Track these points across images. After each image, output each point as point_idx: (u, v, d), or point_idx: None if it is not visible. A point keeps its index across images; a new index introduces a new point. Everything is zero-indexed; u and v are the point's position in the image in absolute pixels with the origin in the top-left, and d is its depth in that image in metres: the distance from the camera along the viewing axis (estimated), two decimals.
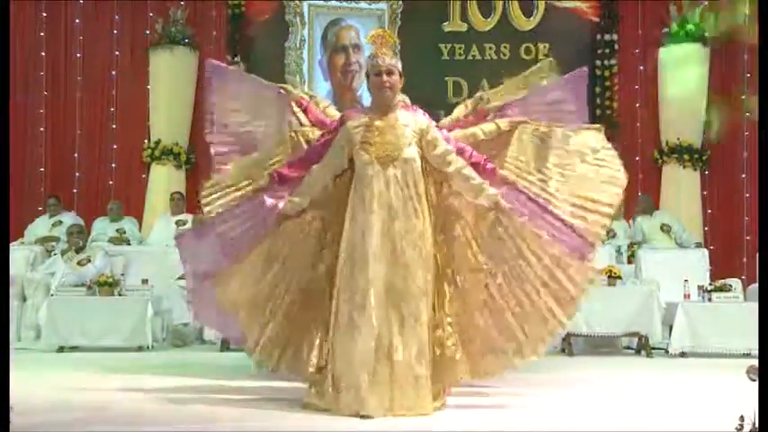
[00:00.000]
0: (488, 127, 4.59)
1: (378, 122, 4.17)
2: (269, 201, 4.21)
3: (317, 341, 4.16)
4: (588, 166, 4.35)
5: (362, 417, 3.81)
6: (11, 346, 7.38)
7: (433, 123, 4.36)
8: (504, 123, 4.57)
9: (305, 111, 4.69)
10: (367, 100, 9.90)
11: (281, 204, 4.22)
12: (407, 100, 4.49)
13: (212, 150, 4.72)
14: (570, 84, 4.83)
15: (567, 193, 4.25)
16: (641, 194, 9.70)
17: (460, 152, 4.27)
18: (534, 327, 4.14)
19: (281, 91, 4.79)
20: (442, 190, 4.27)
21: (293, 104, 4.68)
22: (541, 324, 4.14)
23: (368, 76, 4.27)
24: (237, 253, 4.27)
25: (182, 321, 7.64)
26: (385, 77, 4.17)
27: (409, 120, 4.21)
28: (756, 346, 6.66)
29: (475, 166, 4.25)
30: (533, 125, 4.51)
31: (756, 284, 8.35)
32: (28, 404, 3.92)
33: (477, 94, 4.89)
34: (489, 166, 4.29)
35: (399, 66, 4.23)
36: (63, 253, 8.20)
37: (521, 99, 4.79)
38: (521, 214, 4.13)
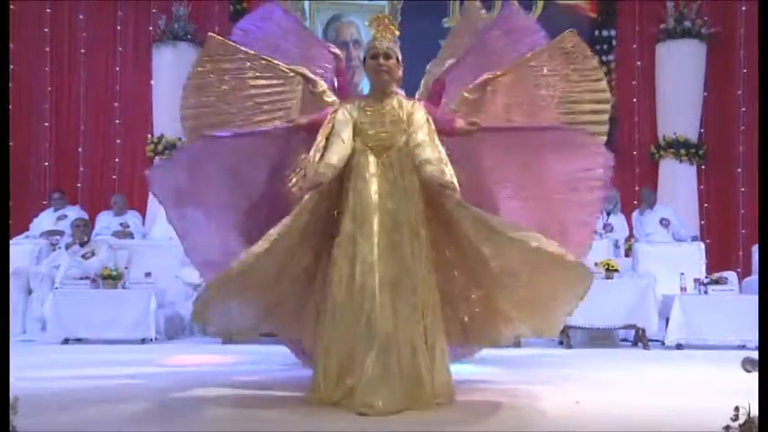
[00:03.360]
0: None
1: (373, 109, 4.05)
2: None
3: (309, 327, 4.09)
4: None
5: (367, 413, 3.67)
6: (17, 338, 7.43)
7: (425, 111, 4.17)
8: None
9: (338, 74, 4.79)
10: None
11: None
12: (403, 93, 4.35)
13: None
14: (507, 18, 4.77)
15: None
16: (645, 189, 9.68)
17: (449, 121, 4.23)
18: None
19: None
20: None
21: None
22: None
23: (365, 59, 4.11)
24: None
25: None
26: (382, 60, 4.02)
27: (407, 105, 4.08)
28: (752, 338, 6.73)
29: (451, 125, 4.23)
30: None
31: (751, 277, 8.37)
32: (33, 395, 3.92)
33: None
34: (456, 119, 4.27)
35: (398, 52, 4.09)
36: (67, 246, 8.20)
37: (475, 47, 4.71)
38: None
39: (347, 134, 3.98)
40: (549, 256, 3.65)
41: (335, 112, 4.12)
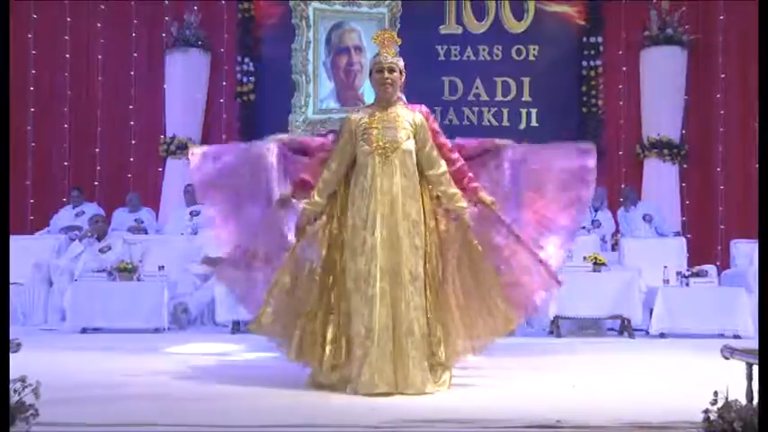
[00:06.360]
0: (471, 142, 4.67)
1: (379, 115, 4.16)
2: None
3: (316, 326, 4.11)
4: (557, 191, 4.54)
5: (371, 394, 3.77)
6: (38, 327, 7.46)
7: (431, 118, 4.37)
8: (488, 143, 4.64)
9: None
10: (368, 98, 9.97)
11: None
12: (404, 99, 4.44)
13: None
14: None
15: (533, 215, 4.48)
16: (626, 187, 9.71)
17: (451, 161, 4.29)
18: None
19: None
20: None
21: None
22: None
23: (371, 72, 4.25)
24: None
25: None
26: (386, 74, 4.15)
27: (408, 115, 4.20)
28: (730, 327, 6.78)
29: (459, 179, 4.27)
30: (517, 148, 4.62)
31: (730, 270, 8.40)
32: (53, 381, 3.93)
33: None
34: (472, 185, 4.32)
35: (401, 63, 4.21)
36: (80, 238, 8.23)
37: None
38: (497, 233, 4.25)
39: (337, 161, 4.18)
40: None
41: (343, 127, 4.28)
